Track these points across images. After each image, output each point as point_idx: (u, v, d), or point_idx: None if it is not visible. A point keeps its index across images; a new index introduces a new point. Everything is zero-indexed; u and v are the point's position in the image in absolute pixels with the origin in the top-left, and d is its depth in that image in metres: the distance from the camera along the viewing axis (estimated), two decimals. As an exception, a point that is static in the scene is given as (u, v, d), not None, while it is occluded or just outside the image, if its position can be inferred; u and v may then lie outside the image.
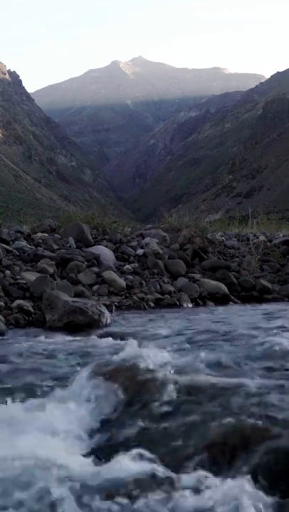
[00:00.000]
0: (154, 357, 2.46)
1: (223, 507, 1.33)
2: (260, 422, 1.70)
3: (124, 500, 1.39)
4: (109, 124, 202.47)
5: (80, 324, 4.07)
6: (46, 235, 7.20)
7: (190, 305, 5.85)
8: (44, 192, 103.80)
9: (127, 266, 6.50)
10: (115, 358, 2.50)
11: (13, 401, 2.14)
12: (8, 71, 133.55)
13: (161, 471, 1.53)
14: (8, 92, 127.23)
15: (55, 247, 6.52)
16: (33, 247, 6.39)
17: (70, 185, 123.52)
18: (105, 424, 1.96)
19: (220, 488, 1.41)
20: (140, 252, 6.99)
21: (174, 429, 1.79)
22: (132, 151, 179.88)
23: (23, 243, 6.49)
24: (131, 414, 1.97)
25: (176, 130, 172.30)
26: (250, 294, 6.71)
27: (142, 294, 5.70)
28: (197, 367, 2.45)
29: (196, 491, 1.41)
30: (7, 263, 5.59)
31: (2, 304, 4.52)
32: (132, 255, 6.92)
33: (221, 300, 6.27)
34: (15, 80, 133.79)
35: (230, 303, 6.30)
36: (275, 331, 3.62)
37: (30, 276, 5.18)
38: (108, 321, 4.26)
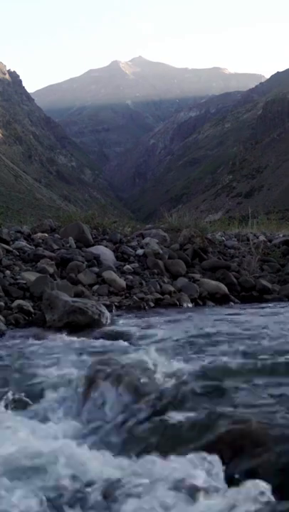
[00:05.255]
0: (154, 357, 2.46)
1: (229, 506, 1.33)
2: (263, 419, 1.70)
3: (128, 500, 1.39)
4: (109, 124, 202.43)
5: (80, 324, 4.07)
6: (46, 235, 7.20)
7: (190, 305, 5.85)
8: (44, 192, 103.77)
9: (127, 266, 6.49)
10: (115, 357, 2.50)
11: (12, 400, 2.14)
12: (8, 71, 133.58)
13: (163, 471, 1.53)
14: (8, 92, 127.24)
15: (55, 247, 6.52)
16: (33, 247, 6.39)
17: (70, 185, 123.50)
18: (104, 424, 1.96)
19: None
20: (140, 252, 6.99)
21: (177, 430, 1.79)
22: (132, 151, 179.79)
23: (23, 243, 6.48)
24: (130, 414, 1.96)
25: (176, 130, 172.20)
26: (250, 294, 6.71)
27: (142, 294, 5.70)
28: (198, 368, 2.45)
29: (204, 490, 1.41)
30: (7, 263, 5.59)
31: (2, 303, 4.52)
32: (132, 255, 6.92)
33: (221, 300, 6.27)
34: (15, 79, 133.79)
35: (231, 303, 6.30)
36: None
37: (30, 276, 5.18)
38: (108, 321, 4.26)
